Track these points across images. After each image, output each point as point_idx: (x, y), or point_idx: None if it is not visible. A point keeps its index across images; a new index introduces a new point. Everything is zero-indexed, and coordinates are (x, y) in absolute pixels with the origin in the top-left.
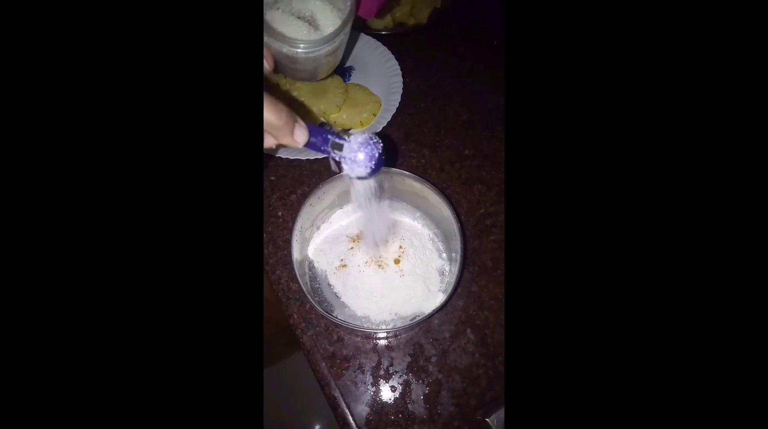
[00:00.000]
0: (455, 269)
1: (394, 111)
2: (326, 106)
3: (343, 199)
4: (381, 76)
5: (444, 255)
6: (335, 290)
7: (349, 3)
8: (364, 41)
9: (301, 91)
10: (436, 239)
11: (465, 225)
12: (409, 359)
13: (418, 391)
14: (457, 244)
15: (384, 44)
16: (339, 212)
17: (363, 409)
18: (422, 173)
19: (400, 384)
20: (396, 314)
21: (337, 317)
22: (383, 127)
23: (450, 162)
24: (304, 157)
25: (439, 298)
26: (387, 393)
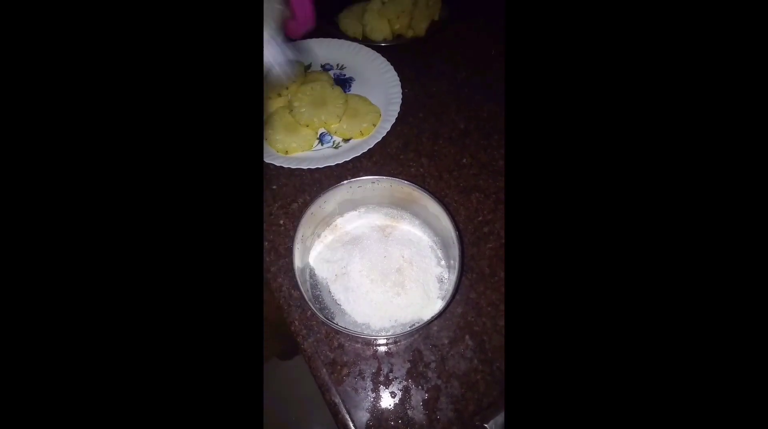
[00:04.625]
0: (453, 277)
1: (394, 121)
2: (327, 116)
3: (345, 207)
4: (380, 86)
5: (443, 262)
6: (336, 297)
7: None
8: (364, 53)
9: (302, 102)
10: (435, 247)
11: (463, 233)
12: (408, 365)
13: (418, 397)
14: (455, 251)
15: (383, 56)
16: (340, 220)
17: (363, 415)
18: (421, 182)
19: (400, 390)
20: (396, 321)
21: (337, 324)
22: (383, 137)
23: (448, 170)
24: (305, 167)
25: (438, 305)
26: (387, 399)
